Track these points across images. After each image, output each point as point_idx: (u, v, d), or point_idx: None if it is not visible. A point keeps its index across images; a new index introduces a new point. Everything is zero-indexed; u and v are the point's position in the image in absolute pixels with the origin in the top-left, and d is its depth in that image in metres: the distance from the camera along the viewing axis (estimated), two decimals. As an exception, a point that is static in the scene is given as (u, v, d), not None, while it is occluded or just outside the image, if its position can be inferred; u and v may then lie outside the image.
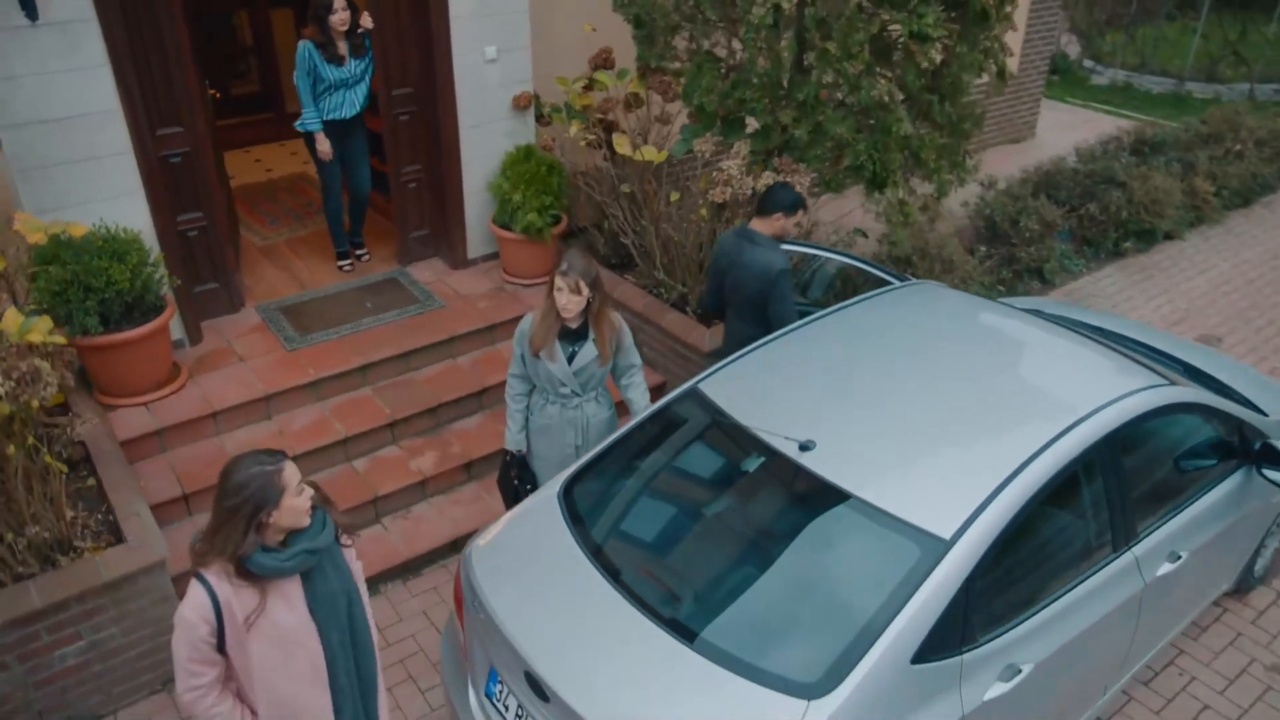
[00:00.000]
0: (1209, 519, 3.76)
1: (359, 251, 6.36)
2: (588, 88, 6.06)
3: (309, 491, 2.58)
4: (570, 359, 3.87)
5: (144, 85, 4.83)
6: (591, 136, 5.84)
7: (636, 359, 4.06)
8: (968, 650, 2.87)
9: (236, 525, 2.47)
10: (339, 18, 5.50)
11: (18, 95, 4.41)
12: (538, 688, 2.83)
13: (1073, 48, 14.31)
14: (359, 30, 5.63)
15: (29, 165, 4.54)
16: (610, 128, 6.02)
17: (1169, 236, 8.26)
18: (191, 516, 4.65)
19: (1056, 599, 3.14)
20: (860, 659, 2.68)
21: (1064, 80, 13.34)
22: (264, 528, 2.51)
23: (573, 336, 3.88)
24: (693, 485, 3.41)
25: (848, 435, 3.27)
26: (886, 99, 4.66)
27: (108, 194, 4.77)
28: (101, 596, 3.80)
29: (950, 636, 2.83)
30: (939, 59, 4.71)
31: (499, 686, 3.10)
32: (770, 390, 3.56)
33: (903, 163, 4.85)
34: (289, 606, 2.61)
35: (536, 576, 3.16)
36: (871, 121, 4.90)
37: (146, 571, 3.86)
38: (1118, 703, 4.07)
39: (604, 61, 5.89)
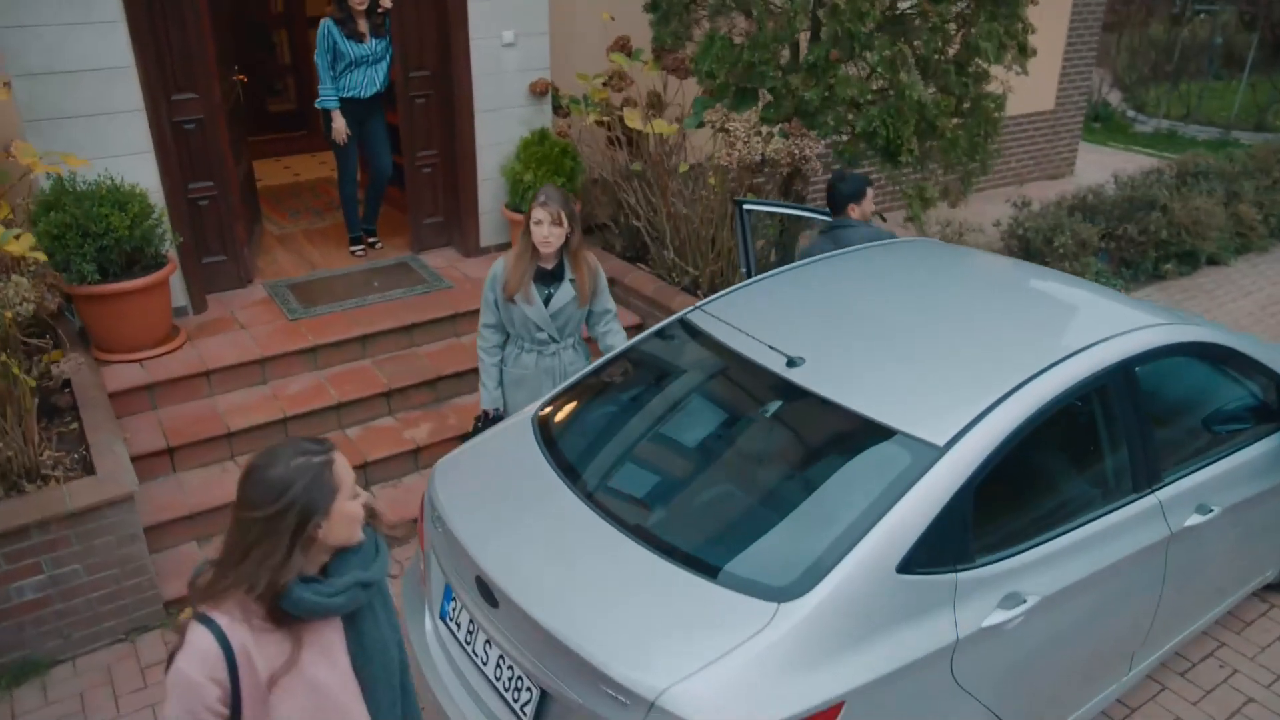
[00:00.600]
0: (1244, 476, 3.43)
1: (372, 239, 6.32)
2: (606, 83, 6.03)
3: (364, 494, 1.91)
4: (546, 301, 3.72)
5: (160, 47, 4.88)
6: (608, 119, 5.79)
7: (612, 304, 3.91)
8: (964, 569, 2.59)
9: (277, 543, 1.75)
10: (357, -4, 5.56)
11: (31, 45, 4.47)
12: (489, 594, 2.61)
13: (1115, 96, 14.16)
14: (378, 10, 5.69)
15: (40, 115, 4.58)
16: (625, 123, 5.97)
17: (1212, 261, 7.95)
18: (176, 473, 4.53)
19: (1067, 530, 2.84)
20: (838, 562, 2.43)
21: (1106, 127, 13.16)
22: (310, 545, 1.82)
23: (548, 278, 3.74)
24: (673, 404, 3.19)
25: (841, 356, 3.05)
26: (899, 65, 4.53)
27: (117, 150, 4.78)
28: (65, 527, 3.65)
29: (944, 550, 2.56)
30: (953, 28, 4.58)
31: (453, 604, 2.87)
32: (759, 318, 3.35)
33: (918, 131, 4.68)
34: (328, 660, 1.90)
35: (497, 488, 2.97)
36: (889, 92, 4.77)
37: (114, 505, 3.72)
38: (1149, 690, 3.69)
39: (621, 48, 5.88)
